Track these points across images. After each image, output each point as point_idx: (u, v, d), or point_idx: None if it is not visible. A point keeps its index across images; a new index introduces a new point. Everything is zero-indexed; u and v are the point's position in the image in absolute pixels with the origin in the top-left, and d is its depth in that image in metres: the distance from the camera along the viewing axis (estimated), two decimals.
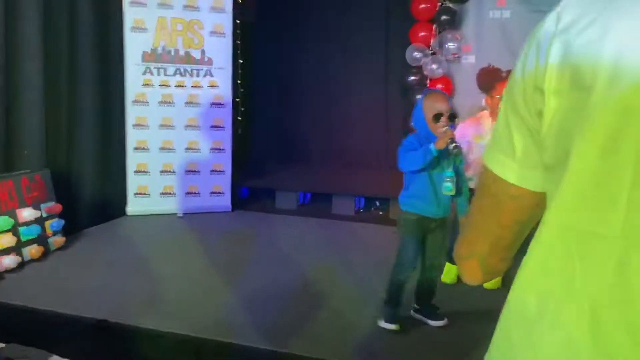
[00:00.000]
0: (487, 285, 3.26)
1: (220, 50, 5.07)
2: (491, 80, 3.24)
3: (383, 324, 2.85)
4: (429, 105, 2.67)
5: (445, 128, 2.60)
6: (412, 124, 2.85)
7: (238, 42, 5.64)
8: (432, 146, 2.56)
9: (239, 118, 5.90)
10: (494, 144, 0.78)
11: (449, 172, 2.64)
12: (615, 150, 0.61)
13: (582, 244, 0.65)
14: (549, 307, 0.68)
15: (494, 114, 3.26)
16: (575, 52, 0.64)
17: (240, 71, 5.83)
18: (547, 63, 0.67)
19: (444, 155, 2.65)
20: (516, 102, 0.73)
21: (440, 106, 2.64)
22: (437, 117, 2.62)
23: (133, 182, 4.95)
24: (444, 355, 2.65)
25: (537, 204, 0.74)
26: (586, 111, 0.63)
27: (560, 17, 0.68)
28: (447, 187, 2.64)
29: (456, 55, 5.34)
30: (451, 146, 2.53)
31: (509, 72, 3.18)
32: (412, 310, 3.00)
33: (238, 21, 5.47)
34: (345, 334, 2.83)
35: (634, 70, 0.60)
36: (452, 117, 2.66)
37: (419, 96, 5.20)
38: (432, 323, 2.89)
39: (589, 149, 0.63)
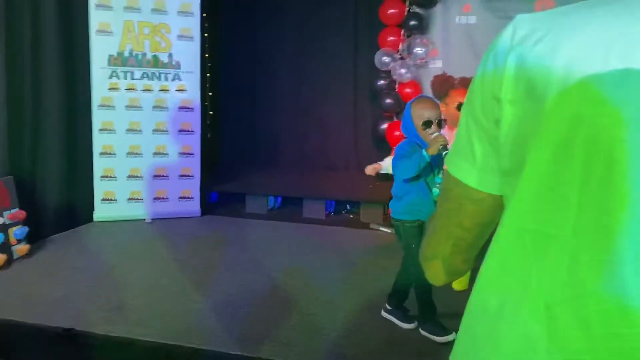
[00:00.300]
0: (456, 286, 3.33)
1: (188, 54, 5.03)
2: (444, 87, 3.30)
3: (442, 339, 2.73)
4: (418, 113, 2.65)
5: (435, 134, 2.58)
6: (402, 130, 2.84)
7: (206, 45, 5.60)
8: (424, 152, 2.58)
9: (208, 122, 5.86)
10: (455, 150, 0.82)
11: (440, 178, 2.67)
12: (566, 157, 0.65)
13: (537, 244, 0.68)
14: (508, 304, 0.71)
15: (448, 120, 3.32)
16: (529, 64, 0.68)
17: (208, 75, 5.79)
18: (503, 74, 0.71)
19: (435, 161, 2.66)
20: (475, 111, 0.76)
21: (430, 113, 2.63)
22: (427, 124, 2.62)
23: (99, 188, 4.86)
24: (413, 357, 2.69)
25: (497, 207, 0.78)
26: (539, 120, 0.66)
27: (516, 30, 0.72)
28: (434, 191, 2.67)
29: (424, 60, 5.43)
30: (443, 153, 2.50)
31: (461, 79, 3.27)
32: (382, 311, 3.04)
33: (206, 24, 5.44)
34: (316, 337, 2.84)
35: (582, 82, 0.63)
36: (441, 123, 2.66)
37: (387, 100, 5.36)
38: (404, 325, 2.93)
39: (542, 155, 0.67)
